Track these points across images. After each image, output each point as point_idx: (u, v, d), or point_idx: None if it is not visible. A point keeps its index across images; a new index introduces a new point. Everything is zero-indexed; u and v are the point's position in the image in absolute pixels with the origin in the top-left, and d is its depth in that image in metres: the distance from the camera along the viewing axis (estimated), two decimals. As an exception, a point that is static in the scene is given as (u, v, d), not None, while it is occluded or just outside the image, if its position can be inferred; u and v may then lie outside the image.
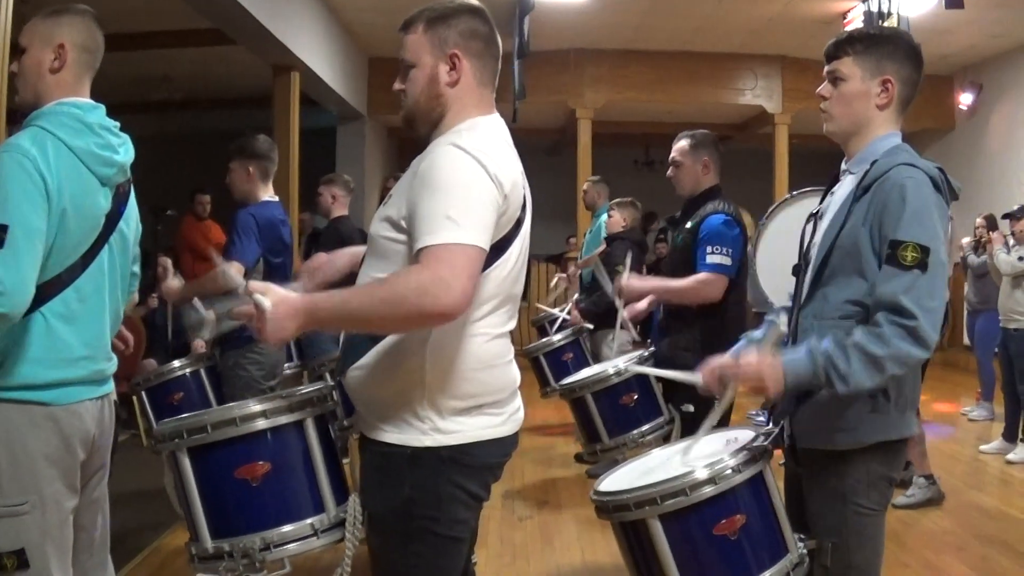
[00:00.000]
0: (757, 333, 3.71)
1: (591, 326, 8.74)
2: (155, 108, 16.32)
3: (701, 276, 5.45)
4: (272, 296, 2.71)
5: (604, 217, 9.50)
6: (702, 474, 2.95)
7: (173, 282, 6.01)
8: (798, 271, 3.50)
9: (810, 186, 5.94)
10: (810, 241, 3.45)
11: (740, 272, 5.61)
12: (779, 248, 5.77)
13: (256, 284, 2.75)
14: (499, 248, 2.88)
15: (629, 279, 5.96)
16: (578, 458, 7.99)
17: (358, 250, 3.48)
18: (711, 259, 5.40)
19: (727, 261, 5.45)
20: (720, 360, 3.24)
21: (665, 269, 6.11)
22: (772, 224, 6.20)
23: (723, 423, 5.09)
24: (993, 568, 6.32)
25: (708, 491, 2.94)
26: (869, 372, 2.97)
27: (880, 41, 3.30)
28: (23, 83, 3.50)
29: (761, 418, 3.54)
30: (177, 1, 8.97)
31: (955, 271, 12.23)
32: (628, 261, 6.72)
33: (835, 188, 3.44)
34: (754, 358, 3.07)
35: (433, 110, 3.00)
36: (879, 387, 3.07)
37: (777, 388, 3.05)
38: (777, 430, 3.27)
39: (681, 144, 5.81)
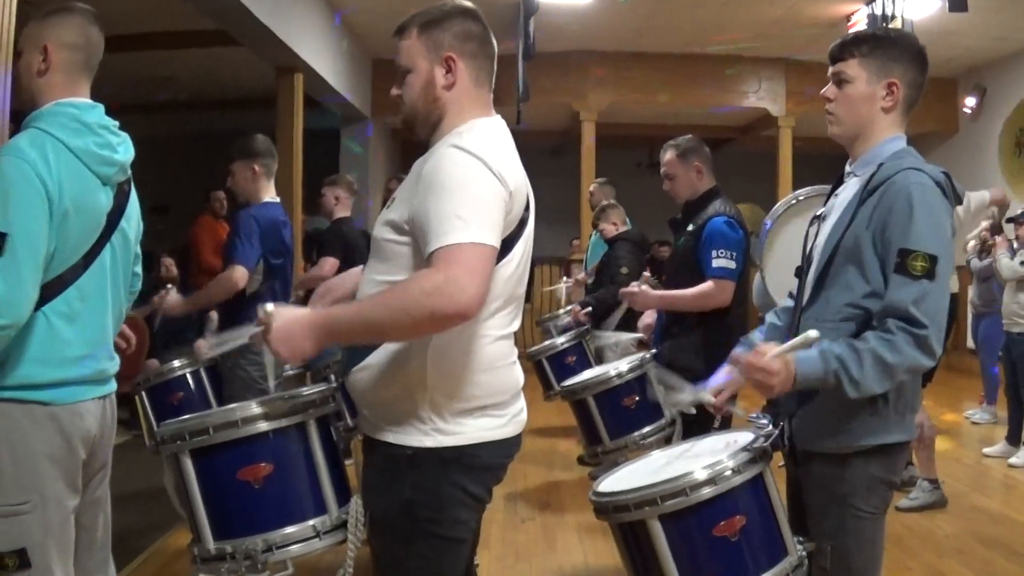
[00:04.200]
0: (757, 334, 3.73)
1: (589, 316, 8.77)
2: (159, 109, 16.32)
3: (709, 284, 5.45)
4: (283, 316, 2.72)
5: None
6: (702, 475, 2.94)
7: (173, 298, 6.02)
8: (800, 273, 3.50)
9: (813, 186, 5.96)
10: (813, 243, 3.44)
11: (743, 274, 5.61)
12: (789, 253, 5.79)
13: (268, 311, 2.75)
14: (503, 248, 2.87)
15: (641, 287, 5.94)
16: (580, 460, 8.00)
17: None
18: (717, 263, 5.41)
19: (732, 264, 5.45)
20: (735, 356, 3.22)
21: (667, 271, 6.10)
22: (783, 229, 6.18)
23: (724, 425, 5.10)
24: (996, 572, 6.30)
25: (708, 492, 2.93)
26: (880, 378, 2.97)
27: (886, 43, 3.29)
28: (19, 86, 3.51)
29: (763, 420, 3.52)
30: (181, 2, 8.97)
31: (961, 274, 12.20)
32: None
33: (839, 190, 3.44)
34: (768, 352, 3.05)
35: (431, 113, 3.01)
36: (885, 391, 3.07)
37: (785, 386, 3.02)
38: (777, 432, 3.26)
39: (668, 156, 5.81)
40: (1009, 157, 12.24)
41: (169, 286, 5.92)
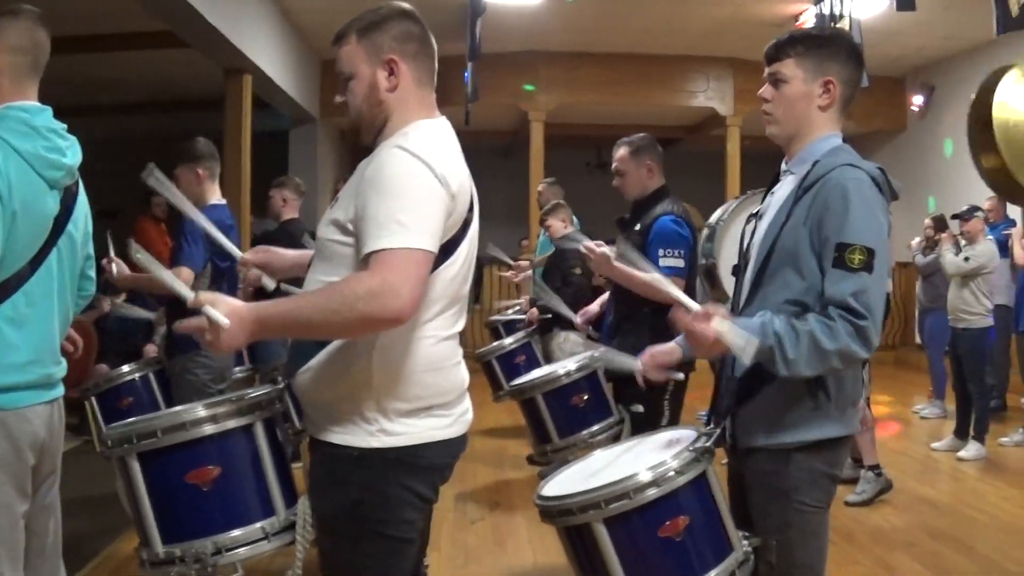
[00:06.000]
0: None
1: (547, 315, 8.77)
2: (105, 112, 16.19)
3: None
4: (222, 307, 2.70)
5: None
6: (645, 476, 2.96)
7: (124, 269, 5.97)
8: (738, 271, 3.54)
9: (763, 187, 6.01)
10: (750, 241, 3.47)
11: (691, 272, 5.63)
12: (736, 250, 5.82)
13: (205, 295, 2.73)
14: (447, 250, 2.90)
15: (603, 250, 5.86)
16: (530, 460, 8.02)
17: (307, 253, 3.50)
18: (664, 262, 5.39)
19: (680, 263, 5.45)
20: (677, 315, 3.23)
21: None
22: (734, 225, 6.21)
23: (673, 422, 5.13)
24: (944, 564, 6.39)
25: (652, 493, 2.95)
26: (813, 363, 3.01)
27: (821, 42, 3.33)
28: None
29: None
30: (128, 3, 8.91)
31: (909, 270, 12.30)
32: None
33: (775, 188, 3.46)
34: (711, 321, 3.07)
35: (376, 117, 3.03)
36: (814, 377, 3.11)
37: (718, 345, 3.06)
38: (719, 430, 3.30)
39: (621, 153, 5.80)
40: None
41: (114, 256, 5.86)
